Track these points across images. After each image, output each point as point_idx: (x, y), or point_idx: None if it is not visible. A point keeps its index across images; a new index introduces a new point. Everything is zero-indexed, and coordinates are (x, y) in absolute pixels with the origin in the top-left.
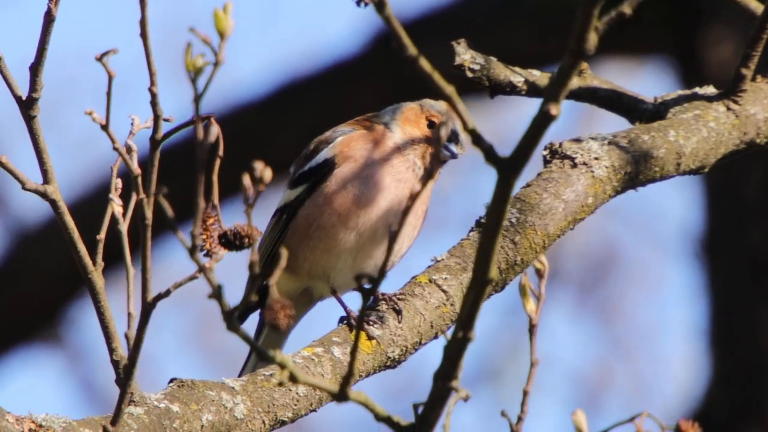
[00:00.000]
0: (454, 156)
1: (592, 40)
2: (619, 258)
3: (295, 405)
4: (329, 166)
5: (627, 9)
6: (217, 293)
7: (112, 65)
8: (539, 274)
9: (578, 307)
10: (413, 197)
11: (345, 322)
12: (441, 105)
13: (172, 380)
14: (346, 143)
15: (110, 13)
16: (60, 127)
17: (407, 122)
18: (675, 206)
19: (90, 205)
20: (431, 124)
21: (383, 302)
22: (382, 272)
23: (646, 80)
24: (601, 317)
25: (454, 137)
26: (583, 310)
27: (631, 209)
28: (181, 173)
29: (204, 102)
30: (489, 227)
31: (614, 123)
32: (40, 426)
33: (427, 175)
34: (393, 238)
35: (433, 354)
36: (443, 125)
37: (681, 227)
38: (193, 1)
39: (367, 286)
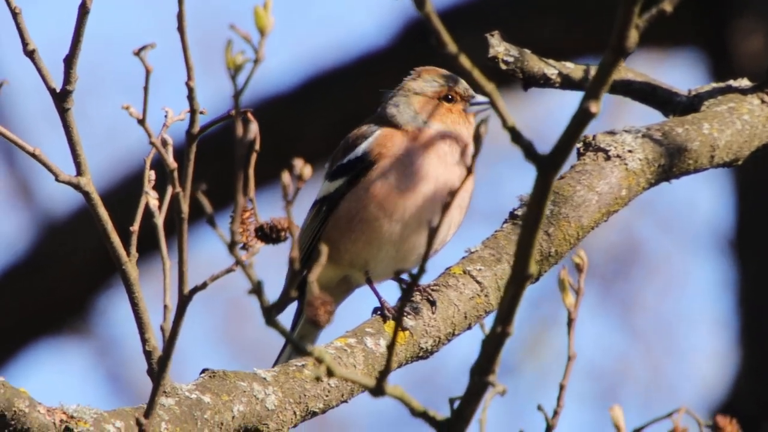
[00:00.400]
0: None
1: (633, 37)
2: (645, 251)
3: (327, 396)
4: (369, 159)
5: (668, 6)
6: (257, 289)
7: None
8: (578, 268)
9: (603, 300)
10: (452, 193)
11: (379, 312)
12: (436, 76)
13: (203, 371)
14: (387, 136)
15: (130, 2)
16: (82, 118)
17: (434, 114)
18: (703, 200)
19: (117, 196)
20: (447, 97)
21: (417, 293)
22: (422, 268)
23: (675, 72)
24: (625, 311)
25: (469, 89)
26: (607, 304)
27: (657, 202)
28: (212, 163)
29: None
30: (528, 223)
31: (645, 114)
32: (72, 417)
33: (467, 170)
34: (432, 234)
35: (459, 344)
36: (459, 91)
37: (709, 221)
38: None
39: (404, 277)
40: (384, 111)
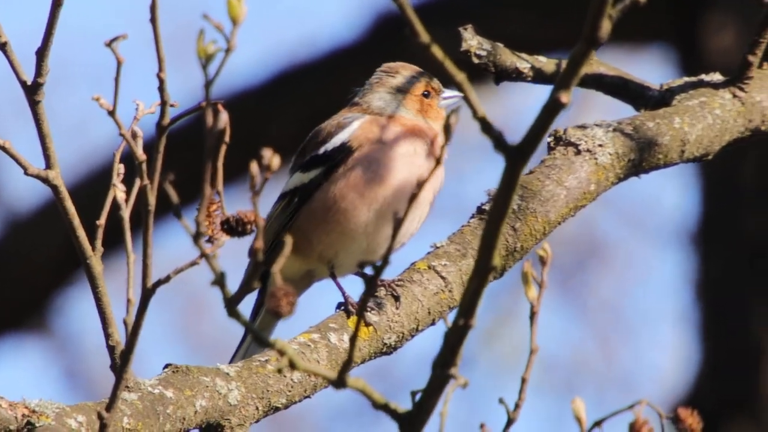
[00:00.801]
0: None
1: (606, 27)
2: (606, 244)
3: (290, 391)
4: (346, 150)
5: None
6: (219, 280)
7: (92, 49)
8: (542, 261)
9: (562, 293)
10: (420, 185)
11: (342, 308)
12: (414, 72)
13: (166, 366)
14: (364, 127)
15: None
16: (51, 111)
17: (416, 109)
18: (666, 194)
19: (85, 191)
20: (425, 93)
21: (382, 288)
22: (386, 260)
23: (646, 67)
24: (585, 304)
25: (440, 85)
26: (567, 297)
27: (620, 196)
28: (183, 157)
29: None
30: (494, 214)
31: (616, 109)
32: (33, 411)
33: (436, 161)
34: (398, 225)
35: (419, 338)
36: (434, 88)
37: (671, 215)
38: None
39: (368, 270)
40: (365, 102)
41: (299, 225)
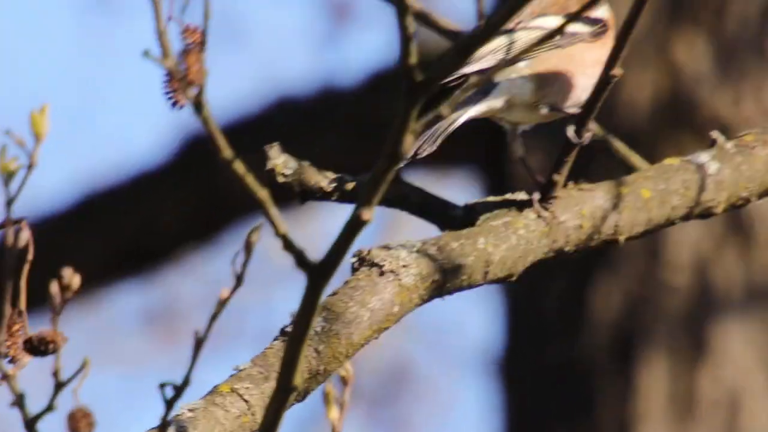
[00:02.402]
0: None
1: (409, 142)
2: (414, 373)
3: None
4: (602, 23)
5: (445, 111)
6: (19, 401)
7: None
8: (344, 381)
9: (372, 422)
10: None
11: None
12: None
13: None
14: (610, 10)
15: None
16: None
17: None
18: (473, 319)
19: None
20: None
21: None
22: (187, 379)
23: (453, 189)
24: None
25: None
26: (377, 426)
27: (429, 322)
28: None
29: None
30: (295, 334)
31: (424, 228)
32: None
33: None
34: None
35: None
36: None
37: (477, 341)
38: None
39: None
40: None
41: (553, 64)
